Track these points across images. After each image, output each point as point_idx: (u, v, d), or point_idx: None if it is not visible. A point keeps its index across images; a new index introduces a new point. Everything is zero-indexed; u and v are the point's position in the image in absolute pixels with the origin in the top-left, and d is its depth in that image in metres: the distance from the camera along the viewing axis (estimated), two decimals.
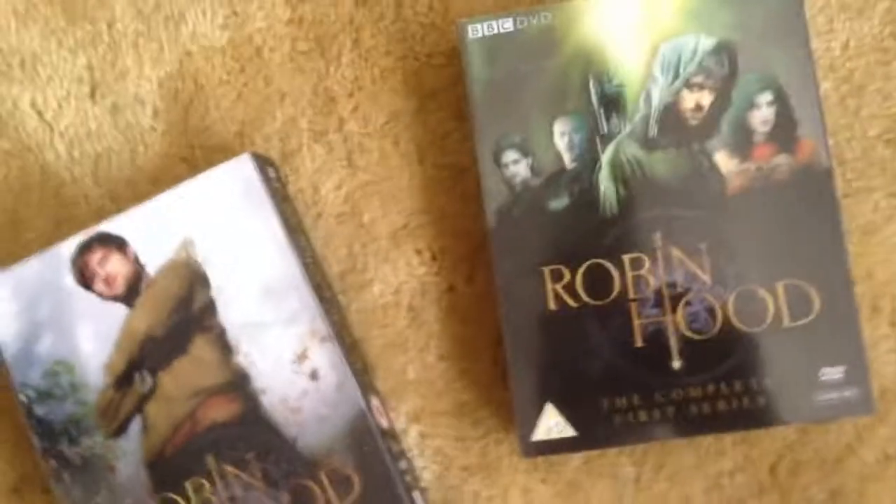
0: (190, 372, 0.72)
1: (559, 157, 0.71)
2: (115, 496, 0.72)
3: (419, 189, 0.78)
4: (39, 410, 0.73)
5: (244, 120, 0.79)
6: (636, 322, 0.69)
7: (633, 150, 0.70)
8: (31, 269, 0.74)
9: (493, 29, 0.72)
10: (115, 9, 0.81)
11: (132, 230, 0.73)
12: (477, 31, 0.72)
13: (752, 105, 0.69)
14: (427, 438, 0.77)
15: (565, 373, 0.70)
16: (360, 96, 0.79)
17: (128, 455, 0.72)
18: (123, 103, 0.81)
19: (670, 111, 0.70)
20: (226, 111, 0.80)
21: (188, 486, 0.72)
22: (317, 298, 0.72)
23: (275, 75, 0.80)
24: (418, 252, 0.77)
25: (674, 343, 0.69)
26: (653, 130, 0.70)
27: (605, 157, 0.70)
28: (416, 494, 0.73)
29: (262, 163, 0.75)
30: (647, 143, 0.70)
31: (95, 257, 0.73)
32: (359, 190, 0.78)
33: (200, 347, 0.72)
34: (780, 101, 0.69)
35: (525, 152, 0.71)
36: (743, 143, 0.69)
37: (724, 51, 0.70)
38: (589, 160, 0.70)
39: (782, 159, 0.69)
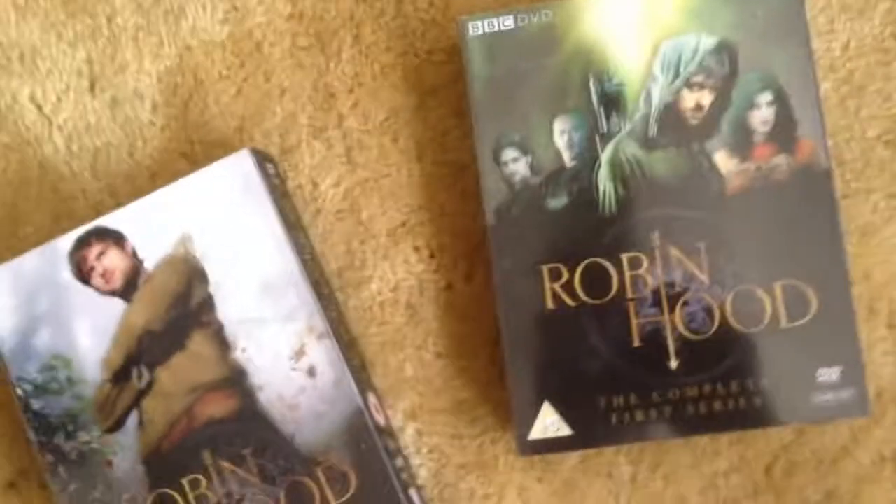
0: (187, 367, 0.72)
1: (559, 155, 0.71)
2: (112, 491, 0.73)
3: (418, 186, 0.78)
4: (36, 405, 0.73)
5: (244, 115, 0.79)
6: (634, 321, 0.69)
7: (632, 150, 0.70)
8: (29, 263, 0.74)
9: (493, 26, 0.71)
10: (115, 2, 0.81)
11: (130, 225, 0.73)
12: (477, 28, 0.72)
13: (752, 105, 0.69)
14: (424, 436, 0.77)
15: (563, 372, 0.70)
16: (360, 92, 0.79)
17: (125, 450, 0.72)
18: (123, 97, 0.81)
19: (670, 110, 0.70)
20: (225, 106, 0.80)
21: (184, 482, 0.72)
22: (315, 295, 0.72)
23: (275, 71, 0.79)
24: (417, 249, 0.77)
25: (671, 343, 0.69)
26: (653, 130, 0.70)
27: (605, 156, 0.70)
28: (413, 492, 0.73)
29: (262, 158, 0.75)
30: (647, 143, 0.70)
31: (93, 252, 0.73)
32: (358, 186, 0.78)
33: (198, 343, 0.72)
34: (781, 101, 0.69)
35: (525, 150, 0.71)
36: (743, 142, 0.69)
37: (725, 50, 0.69)
38: (588, 159, 0.70)
39: (782, 159, 0.69)
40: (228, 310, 0.72)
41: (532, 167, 0.71)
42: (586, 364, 0.69)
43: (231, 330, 0.72)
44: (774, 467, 0.74)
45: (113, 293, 0.73)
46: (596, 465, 0.75)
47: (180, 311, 0.72)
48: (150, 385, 0.72)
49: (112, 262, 0.73)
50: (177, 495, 0.72)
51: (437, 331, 0.77)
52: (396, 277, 0.77)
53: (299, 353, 0.71)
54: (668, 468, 0.75)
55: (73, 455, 0.73)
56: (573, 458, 0.75)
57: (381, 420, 0.73)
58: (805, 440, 0.74)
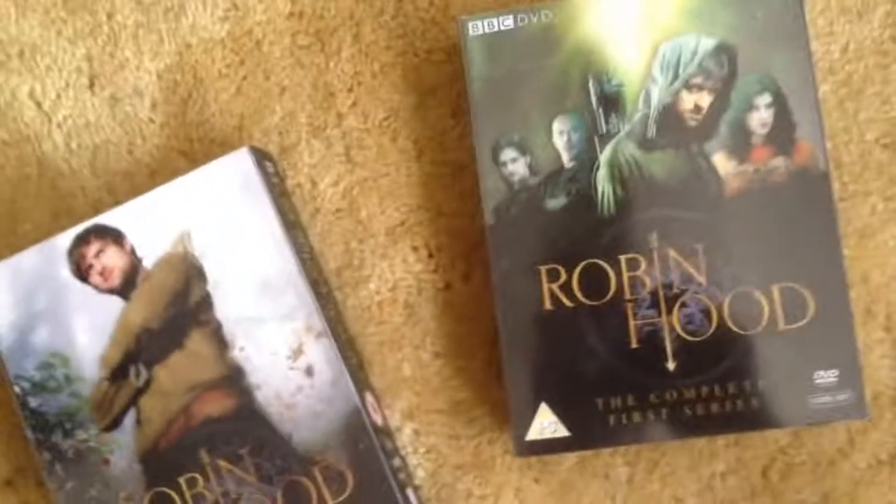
0: (185, 366, 0.72)
1: (557, 156, 0.71)
2: (109, 490, 0.73)
3: (417, 186, 0.78)
4: (34, 402, 0.73)
5: (243, 113, 0.79)
6: (632, 323, 0.69)
7: (631, 151, 0.70)
8: (27, 260, 0.74)
9: (493, 26, 0.71)
10: (115, 0, 0.81)
11: (129, 223, 0.73)
12: (477, 28, 0.72)
13: (750, 107, 0.69)
14: (421, 436, 0.77)
15: (560, 372, 0.70)
16: (360, 91, 0.79)
17: (122, 449, 0.73)
18: (122, 95, 0.81)
19: (669, 112, 0.70)
20: (225, 104, 0.80)
21: (182, 480, 0.72)
22: (313, 294, 0.72)
23: (274, 69, 0.79)
24: (415, 249, 0.77)
25: (669, 344, 0.69)
26: (651, 131, 0.70)
27: (604, 157, 0.70)
28: (410, 492, 0.73)
29: (261, 157, 0.75)
30: (646, 144, 0.70)
31: (92, 249, 0.73)
32: (357, 186, 0.78)
33: (196, 341, 0.72)
34: (779, 103, 0.69)
35: (523, 151, 0.71)
36: (741, 144, 0.69)
37: (724, 52, 0.69)
38: (587, 160, 0.70)
39: (780, 162, 0.69)
40: (227, 308, 0.72)
41: (531, 167, 0.71)
42: (584, 365, 0.70)
43: (229, 329, 0.72)
44: (771, 469, 0.74)
45: (111, 291, 0.73)
46: (593, 466, 0.75)
47: (178, 309, 0.72)
48: (147, 383, 0.72)
49: (111, 259, 0.73)
50: (174, 494, 0.72)
51: (435, 330, 0.77)
52: (395, 277, 0.77)
53: (297, 353, 0.71)
54: (665, 470, 0.75)
55: (71, 453, 0.73)
56: (570, 458, 0.75)
57: (378, 420, 0.74)
58: (802, 442, 0.74)
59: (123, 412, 0.73)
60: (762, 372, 0.68)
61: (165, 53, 0.80)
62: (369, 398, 0.74)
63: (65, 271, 0.73)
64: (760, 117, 0.69)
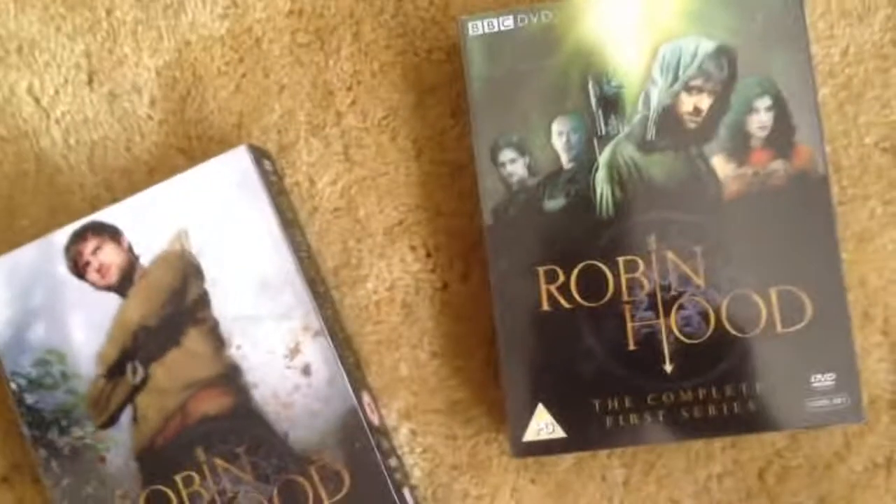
0: (182, 364, 0.72)
1: (556, 157, 0.71)
2: (105, 487, 0.72)
3: (416, 185, 0.77)
4: (30, 399, 0.73)
5: (242, 111, 0.79)
6: (629, 324, 0.69)
7: (630, 152, 0.70)
8: (24, 256, 0.74)
9: (493, 26, 0.71)
10: None
11: (127, 220, 0.73)
12: (477, 28, 0.71)
13: (750, 109, 0.69)
14: (418, 436, 0.77)
15: (558, 374, 0.70)
16: (359, 90, 0.78)
17: (118, 446, 0.72)
18: (121, 91, 0.81)
19: (669, 114, 0.70)
20: (223, 102, 0.79)
21: (178, 478, 0.72)
22: (311, 293, 0.72)
23: (273, 67, 0.79)
24: (413, 248, 0.77)
25: (666, 346, 0.69)
26: (651, 133, 0.70)
27: (603, 159, 0.70)
28: (406, 492, 0.73)
29: (259, 155, 0.74)
30: (645, 146, 0.70)
31: (89, 246, 0.73)
32: (355, 185, 0.78)
33: (193, 339, 0.72)
34: (779, 106, 0.69)
35: (522, 151, 0.71)
36: (740, 147, 0.69)
37: (724, 54, 0.69)
38: (586, 161, 0.70)
39: (779, 165, 0.69)
40: (224, 306, 0.72)
41: (530, 168, 0.71)
42: (581, 366, 0.69)
43: (226, 327, 0.72)
44: (768, 472, 0.74)
45: (108, 288, 0.73)
46: (589, 467, 0.75)
47: (175, 307, 0.72)
48: (144, 381, 0.72)
49: (108, 257, 0.73)
50: (170, 492, 0.72)
51: (433, 330, 0.77)
52: (392, 276, 0.77)
53: (294, 351, 0.71)
54: (662, 471, 0.75)
55: (67, 450, 0.73)
56: (567, 460, 0.76)
57: (375, 419, 0.73)
58: (798, 445, 0.74)
59: (120, 409, 0.72)
60: (759, 375, 0.68)
61: (164, 50, 0.80)
62: (366, 398, 0.74)
63: (62, 268, 0.73)
64: (760, 120, 0.69)
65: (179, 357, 0.72)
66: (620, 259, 0.70)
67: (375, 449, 0.70)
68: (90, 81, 0.81)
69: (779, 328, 0.68)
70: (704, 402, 0.68)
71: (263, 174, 0.73)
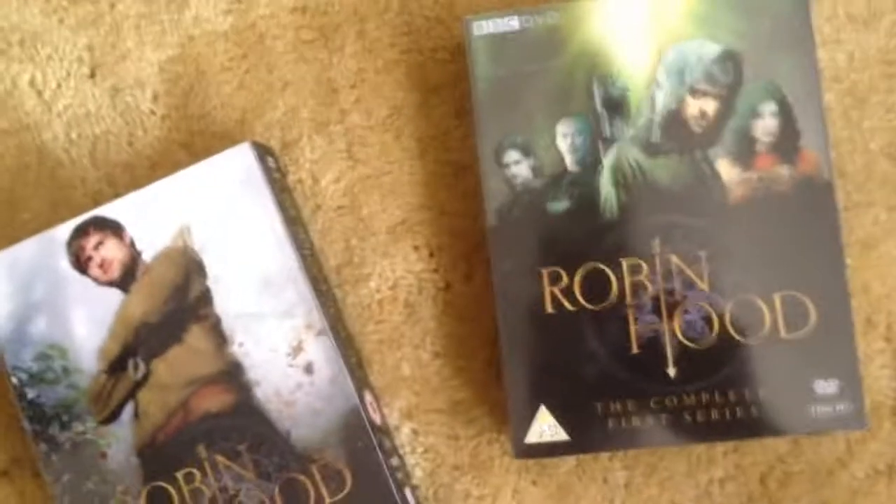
0: (184, 360, 0.72)
1: (561, 158, 0.71)
2: (106, 483, 0.72)
3: (419, 184, 0.77)
4: (31, 393, 0.73)
5: (245, 107, 0.79)
6: (633, 328, 0.69)
7: (635, 155, 0.70)
8: (26, 250, 0.73)
9: (498, 27, 0.71)
10: None
11: (129, 215, 0.73)
12: (482, 28, 0.71)
13: (755, 114, 0.69)
14: (420, 436, 0.77)
15: (560, 376, 0.70)
16: (363, 88, 0.78)
17: (119, 442, 0.72)
18: (123, 85, 0.80)
19: (674, 117, 0.70)
20: (227, 98, 0.79)
21: (179, 475, 0.72)
22: (313, 291, 0.72)
23: (277, 64, 0.79)
24: (416, 248, 0.77)
25: (670, 350, 0.69)
26: (656, 136, 0.70)
27: (607, 161, 0.70)
28: (408, 491, 0.73)
29: (262, 152, 0.74)
30: (650, 149, 0.70)
31: (91, 241, 0.73)
32: (358, 183, 0.78)
33: (195, 336, 0.72)
34: (784, 111, 0.69)
35: (527, 153, 0.71)
36: (745, 152, 0.69)
37: (730, 58, 0.69)
38: (591, 163, 0.70)
39: (784, 170, 0.69)
40: (226, 303, 0.72)
41: (534, 170, 0.71)
42: (584, 369, 0.69)
43: (228, 324, 0.72)
44: (769, 477, 0.74)
45: (110, 283, 0.73)
46: (591, 469, 0.75)
47: (178, 303, 0.72)
48: (146, 377, 0.72)
49: (110, 252, 0.73)
50: (171, 489, 0.72)
51: (435, 330, 0.77)
52: (395, 275, 0.77)
53: (297, 350, 0.71)
54: (664, 475, 0.75)
55: (68, 445, 0.73)
56: (569, 462, 0.76)
57: (377, 419, 0.73)
58: (801, 451, 0.74)
59: (121, 405, 0.72)
60: (762, 380, 0.68)
61: (168, 45, 0.80)
62: (368, 397, 0.74)
63: (64, 262, 0.73)
64: (765, 125, 0.69)
65: (181, 353, 0.72)
66: (624, 262, 0.70)
67: (377, 448, 0.70)
68: (93, 75, 0.81)
69: (782, 334, 0.68)
70: (707, 406, 0.68)
71: (267, 171, 0.73)
